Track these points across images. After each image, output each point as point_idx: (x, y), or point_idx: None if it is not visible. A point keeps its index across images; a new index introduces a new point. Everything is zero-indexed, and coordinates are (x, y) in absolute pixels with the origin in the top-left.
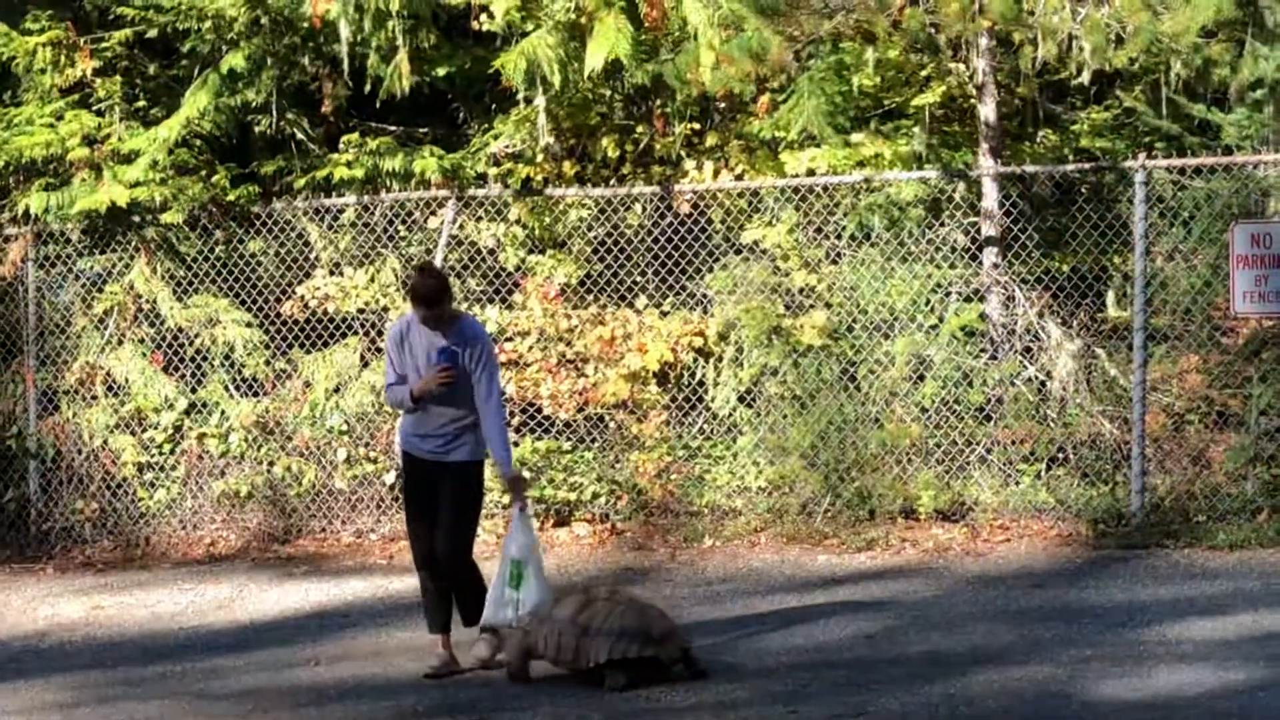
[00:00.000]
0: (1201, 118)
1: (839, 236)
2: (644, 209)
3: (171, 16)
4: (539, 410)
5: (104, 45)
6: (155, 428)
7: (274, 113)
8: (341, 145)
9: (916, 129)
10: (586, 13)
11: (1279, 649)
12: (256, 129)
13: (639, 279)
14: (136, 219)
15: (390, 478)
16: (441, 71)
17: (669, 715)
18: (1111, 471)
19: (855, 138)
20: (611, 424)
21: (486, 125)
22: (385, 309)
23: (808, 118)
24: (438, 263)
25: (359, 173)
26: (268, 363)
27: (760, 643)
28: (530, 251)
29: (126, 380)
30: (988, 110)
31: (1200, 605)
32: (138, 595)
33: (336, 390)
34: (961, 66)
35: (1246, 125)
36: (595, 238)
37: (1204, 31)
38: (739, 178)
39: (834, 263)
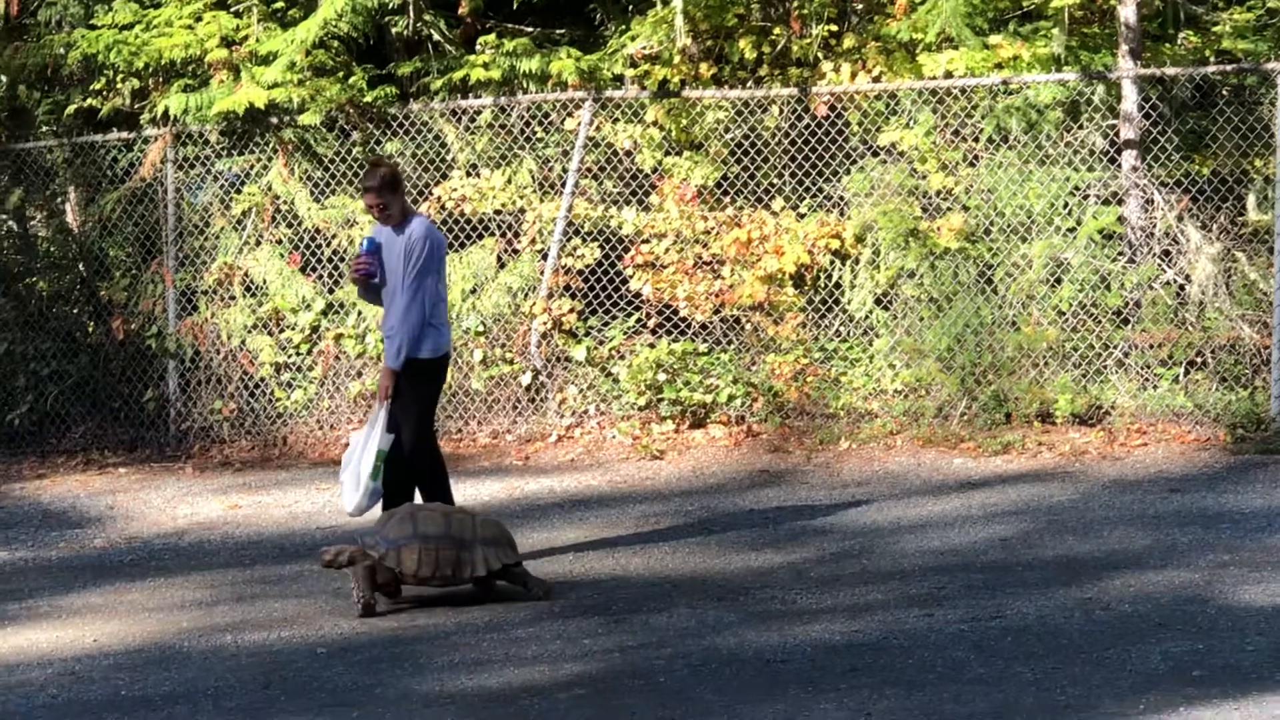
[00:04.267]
0: None
1: (976, 139)
2: (781, 111)
3: None
4: (675, 312)
5: None
6: (292, 328)
7: (411, 13)
8: (478, 46)
9: (1055, 30)
10: None
11: None
12: (393, 30)
13: (775, 181)
14: (274, 120)
15: (526, 379)
16: None
17: (805, 617)
18: (1250, 376)
19: (993, 39)
20: (747, 326)
21: (623, 26)
22: (522, 210)
23: (945, 19)
24: (574, 165)
25: (496, 74)
26: None
27: (895, 546)
28: (667, 153)
29: (264, 281)
30: (1128, 11)
31: None
32: (275, 495)
33: (473, 291)
34: None
35: None
36: (732, 139)
37: None
38: (876, 80)
39: (971, 165)
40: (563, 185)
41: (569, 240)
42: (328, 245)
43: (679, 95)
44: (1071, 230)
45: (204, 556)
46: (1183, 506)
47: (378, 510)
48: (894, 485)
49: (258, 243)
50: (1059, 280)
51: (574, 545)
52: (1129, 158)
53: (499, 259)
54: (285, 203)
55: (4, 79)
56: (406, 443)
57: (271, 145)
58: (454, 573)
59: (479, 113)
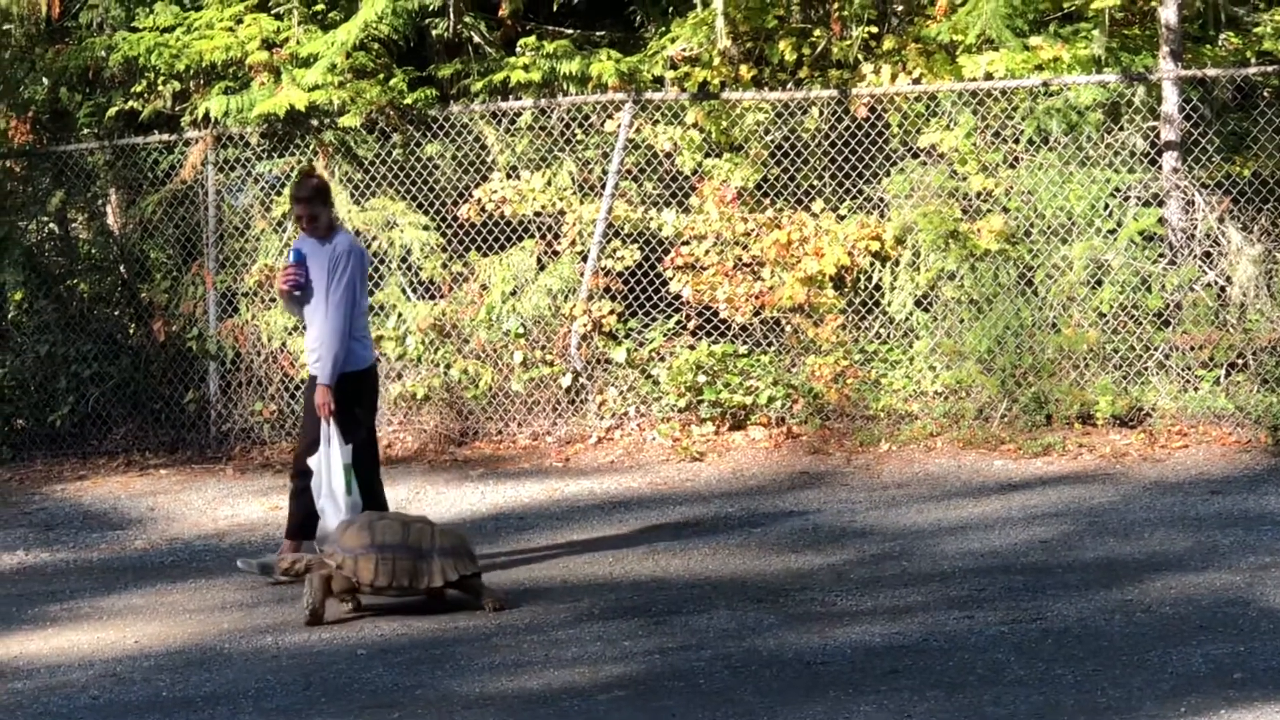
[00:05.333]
0: None
1: (1017, 141)
2: (821, 112)
3: None
4: (715, 314)
5: None
6: None
7: (451, 16)
8: (519, 48)
9: (1096, 32)
10: None
11: None
12: (434, 32)
13: (816, 182)
14: (314, 122)
15: (566, 381)
16: None
17: (846, 619)
18: None
19: (1033, 41)
20: (787, 328)
21: (663, 28)
22: (562, 212)
23: (986, 21)
24: (614, 167)
25: (536, 76)
26: (444, 265)
27: (935, 547)
28: (707, 155)
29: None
30: (1168, 12)
31: None
32: None
33: (513, 293)
34: None
35: None
36: (772, 141)
37: None
38: (916, 81)
39: (1011, 167)
40: (603, 187)
41: (609, 242)
42: (368, 247)
43: (719, 97)
44: (1112, 232)
45: (242, 557)
46: (1224, 509)
47: None
48: (934, 487)
49: None
50: (1099, 282)
51: (614, 547)
52: (1170, 159)
53: (539, 261)
54: None
55: (45, 81)
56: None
57: (312, 147)
58: (411, 582)
59: (519, 115)
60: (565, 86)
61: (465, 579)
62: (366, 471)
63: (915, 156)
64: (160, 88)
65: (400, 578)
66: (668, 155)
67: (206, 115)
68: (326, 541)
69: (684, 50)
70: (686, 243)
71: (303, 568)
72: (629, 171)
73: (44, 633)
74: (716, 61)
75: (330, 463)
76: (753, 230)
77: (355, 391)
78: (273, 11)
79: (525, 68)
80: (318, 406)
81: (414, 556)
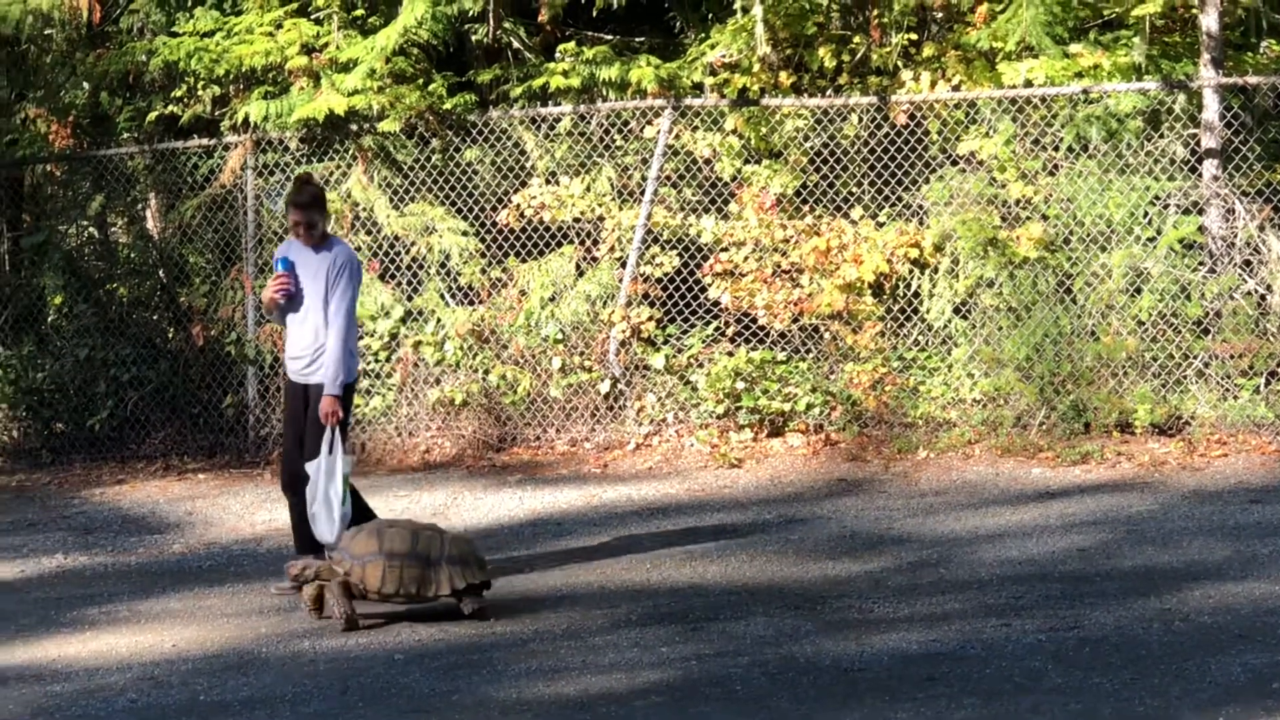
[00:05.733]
0: None
1: (1056, 148)
2: (860, 119)
3: None
4: (754, 320)
5: None
6: (371, 335)
7: (491, 21)
8: (558, 54)
9: (1136, 39)
10: None
11: None
12: (473, 38)
13: (855, 189)
14: (354, 127)
15: (605, 387)
16: None
17: (883, 626)
18: None
19: (1073, 48)
20: (826, 334)
21: (703, 34)
22: (601, 218)
23: (1026, 28)
24: (653, 173)
25: (575, 82)
26: (483, 271)
27: (973, 555)
28: (746, 162)
29: None
30: (1209, 20)
31: None
32: None
33: (552, 299)
34: None
35: None
36: (811, 148)
37: None
38: (956, 88)
39: (1051, 174)
40: (642, 193)
41: (648, 248)
42: (406, 252)
43: (758, 103)
44: (1151, 240)
45: (282, 562)
46: (1263, 518)
47: None
48: (972, 494)
49: None
50: (1139, 290)
51: (652, 553)
52: (1210, 167)
53: (578, 267)
54: (364, 210)
55: (86, 86)
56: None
57: (351, 152)
58: (418, 590)
59: (558, 120)
60: (605, 92)
61: (473, 587)
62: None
63: (954, 163)
64: (200, 92)
65: (408, 585)
66: (707, 161)
67: (246, 120)
68: (335, 549)
69: (724, 56)
70: (725, 249)
71: (311, 575)
72: (668, 178)
73: (82, 636)
74: (756, 68)
75: (330, 470)
76: (792, 237)
77: (347, 401)
78: (312, 16)
79: (565, 73)
80: (323, 415)
81: (422, 564)
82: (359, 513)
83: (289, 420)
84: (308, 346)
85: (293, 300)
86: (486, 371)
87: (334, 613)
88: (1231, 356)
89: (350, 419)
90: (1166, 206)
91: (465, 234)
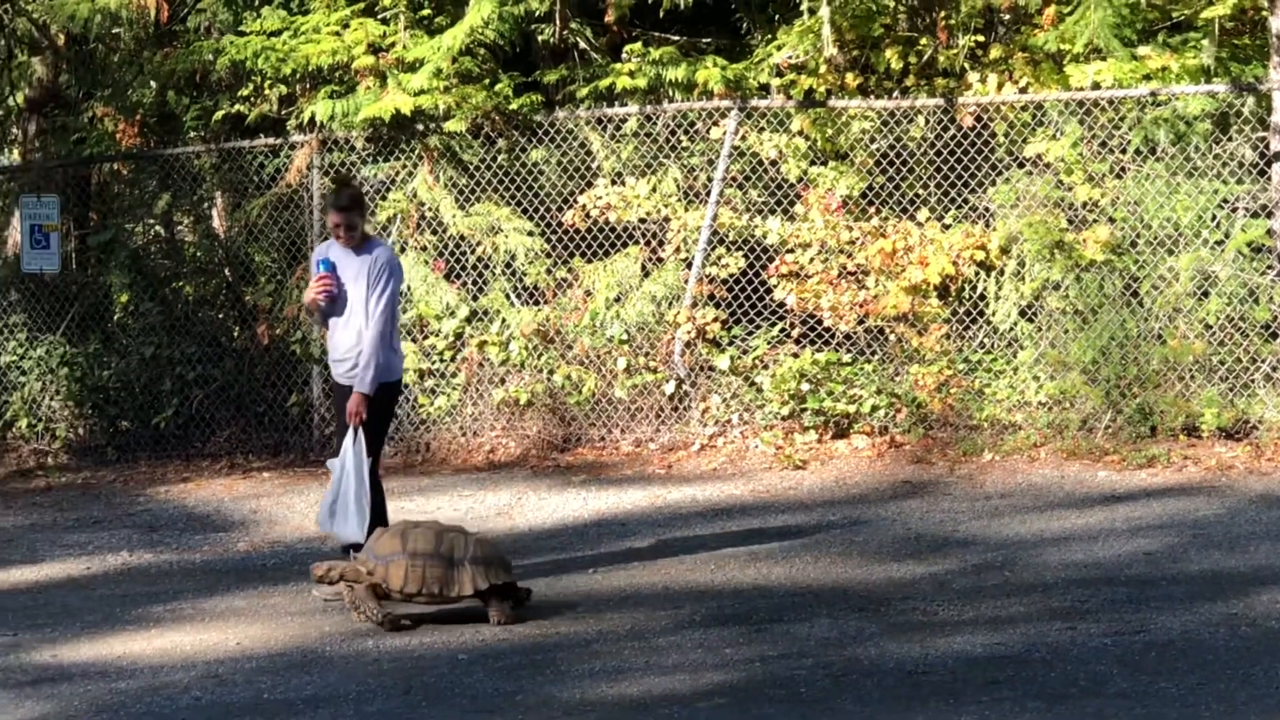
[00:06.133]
0: None
1: (1124, 151)
2: (927, 121)
3: None
4: (819, 322)
5: None
6: (437, 335)
7: (557, 21)
8: (624, 55)
9: (1205, 41)
10: None
11: None
12: (539, 38)
13: (921, 191)
14: (420, 127)
15: (670, 387)
16: None
17: (947, 628)
18: None
19: (1141, 50)
20: (891, 336)
21: (770, 36)
22: (667, 219)
23: (1094, 30)
24: (719, 174)
25: (641, 82)
26: (549, 271)
27: (1038, 558)
28: (812, 163)
29: (408, 288)
30: (1279, 22)
31: None
32: (418, 501)
33: (617, 299)
34: None
35: None
36: (877, 150)
37: None
38: (1023, 90)
39: (1118, 177)
40: (707, 194)
41: (713, 249)
42: (472, 252)
43: (825, 105)
44: (1219, 243)
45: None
46: None
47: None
48: (1037, 497)
49: (402, 249)
50: (1206, 293)
51: (716, 554)
52: (1279, 170)
53: (643, 267)
54: (430, 209)
55: (153, 85)
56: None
57: (417, 152)
58: (441, 590)
59: (624, 121)
60: (671, 93)
61: (496, 588)
62: (375, 479)
63: (1021, 166)
64: (266, 91)
65: (430, 585)
66: (773, 163)
67: (312, 119)
68: (361, 549)
69: (790, 58)
70: (791, 250)
71: (337, 575)
72: (734, 179)
73: (147, 633)
74: (822, 69)
75: (358, 470)
76: (857, 238)
77: (389, 401)
78: (379, 16)
79: (631, 74)
80: (350, 414)
81: (445, 564)
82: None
83: (336, 422)
84: (352, 348)
85: (335, 302)
86: (551, 372)
87: (356, 616)
88: None
89: (392, 418)
90: (1234, 210)
91: (531, 234)
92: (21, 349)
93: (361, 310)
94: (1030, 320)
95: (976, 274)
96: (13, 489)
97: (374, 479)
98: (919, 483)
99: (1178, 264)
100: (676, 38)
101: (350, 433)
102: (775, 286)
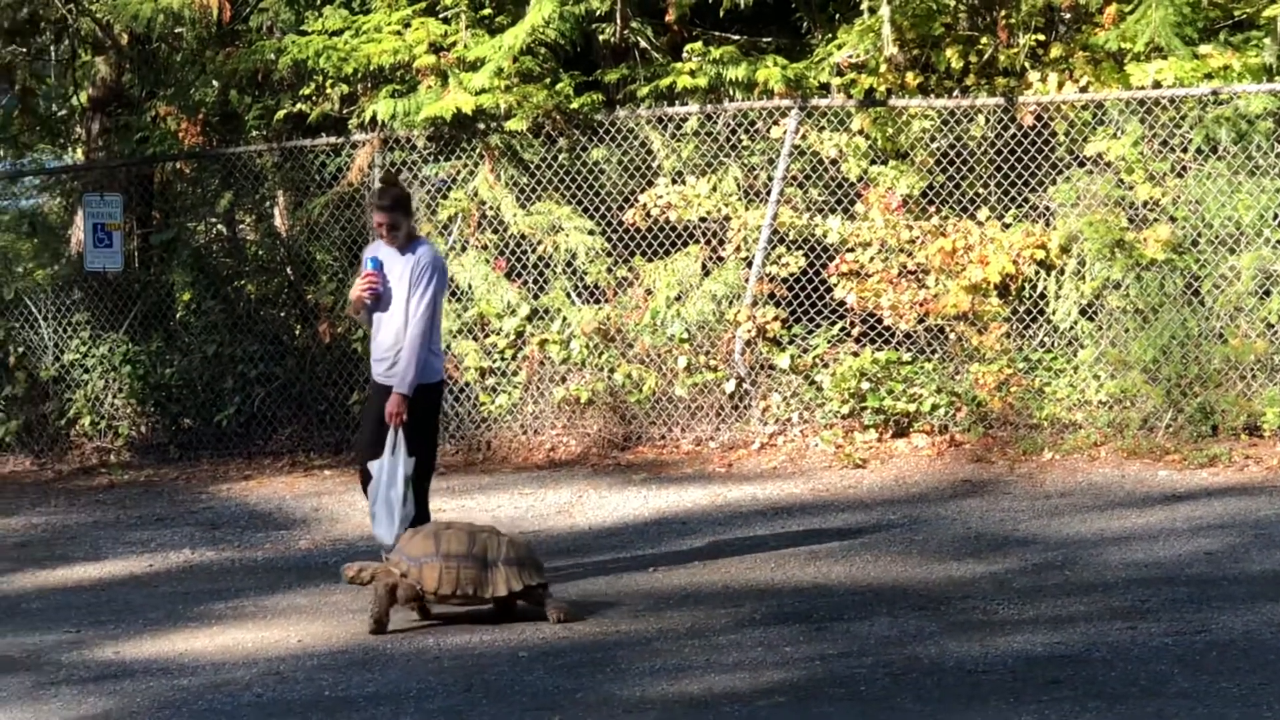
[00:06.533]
0: None
1: (1185, 149)
2: (987, 120)
3: None
4: (879, 321)
5: None
6: (497, 333)
7: (618, 21)
8: (685, 54)
9: (1267, 40)
10: None
11: None
12: (600, 37)
13: (981, 190)
14: (481, 126)
15: (730, 386)
16: None
17: (1007, 627)
18: None
19: (1203, 49)
20: (951, 335)
21: (830, 35)
22: (727, 218)
23: (1154, 29)
24: (779, 173)
25: (702, 81)
26: (609, 270)
27: (1098, 557)
28: (872, 162)
29: (470, 286)
30: None
31: None
32: (479, 499)
33: (678, 298)
34: None
35: None
36: (938, 149)
37: None
38: (1083, 89)
39: (1179, 176)
40: (768, 193)
41: (774, 248)
42: (533, 251)
43: (885, 104)
44: None
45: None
46: None
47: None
48: (1098, 497)
49: (463, 248)
50: (1268, 292)
51: (776, 553)
52: None
53: (704, 266)
54: (491, 208)
55: (215, 84)
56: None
57: (478, 151)
58: (475, 591)
59: (685, 120)
60: (731, 92)
61: (530, 589)
62: (422, 484)
63: (1081, 165)
64: (328, 90)
65: (465, 586)
66: (833, 162)
67: (374, 118)
68: (393, 550)
69: (850, 57)
70: (851, 249)
71: (368, 576)
72: (794, 178)
73: (209, 630)
74: (883, 68)
75: (392, 471)
76: (917, 237)
77: (429, 403)
78: (440, 15)
79: (691, 73)
80: (389, 415)
81: (478, 565)
82: (419, 515)
83: (371, 419)
84: (391, 348)
85: (380, 300)
86: (612, 370)
87: (370, 609)
88: None
89: (437, 421)
90: None
91: (591, 233)
92: (85, 347)
93: (402, 310)
94: (1090, 319)
95: (1036, 273)
96: (76, 486)
97: (420, 482)
98: (979, 482)
99: (1239, 263)
100: (737, 37)
101: (390, 433)
102: (835, 285)
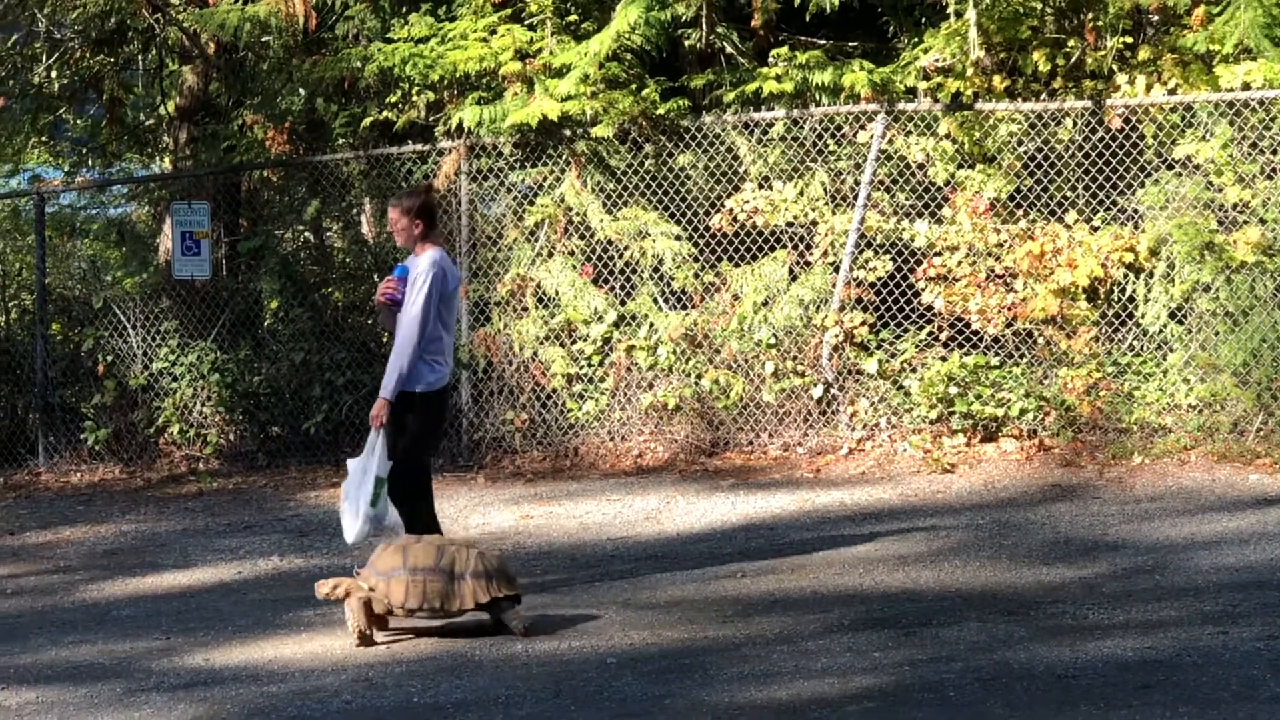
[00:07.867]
0: None
1: (1275, 151)
2: (1075, 123)
3: None
4: (967, 325)
5: None
6: (584, 339)
7: (703, 26)
8: (771, 59)
9: None
10: None
11: None
12: (686, 43)
13: (1069, 194)
14: (567, 132)
15: (818, 391)
16: None
17: (1097, 632)
18: None
19: None
20: (1040, 339)
21: (916, 39)
22: (814, 222)
23: (1244, 30)
24: (866, 177)
25: (788, 86)
26: (696, 275)
27: (1189, 562)
28: (959, 166)
29: (557, 292)
30: None
31: None
32: (566, 505)
33: (765, 303)
34: None
35: None
36: (1025, 152)
37: None
38: (1172, 92)
39: (1269, 178)
40: (855, 198)
41: (861, 253)
42: (620, 257)
43: (972, 108)
44: None
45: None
46: None
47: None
48: (1188, 501)
49: (550, 254)
50: None
51: (864, 558)
52: None
53: (790, 271)
54: (578, 214)
55: (302, 92)
56: (398, 470)
57: (564, 157)
58: (442, 604)
59: (771, 125)
60: (817, 97)
61: (497, 600)
62: (412, 498)
63: (1170, 167)
64: (414, 98)
65: (431, 599)
66: (920, 166)
67: (460, 125)
68: (364, 566)
69: (937, 61)
70: (939, 254)
71: (342, 593)
72: (881, 182)
73: (298, 637)
74: (969, 72)
75: (365, 471)
76: (1005, 241)
77: (416, 411)
78: (526, 22)
79: (777, 78)
80: (371, 417)
81: (445, 579)
82: (427, 527)
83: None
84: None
85: (398, 306)
86: (699, 376)
87: (349, 625)
88: None
89: (427, 432)
90: None
91: (678, 238)
92: (173, 355)
93: (404, 316)
94: (1180, 322)
95: (1125, 276)
96: (165, 494)
97: (413, 490)
98: (1068, 486)
99: None
100: (822, 41)
101: (370, 435)
102: (923, 290)
